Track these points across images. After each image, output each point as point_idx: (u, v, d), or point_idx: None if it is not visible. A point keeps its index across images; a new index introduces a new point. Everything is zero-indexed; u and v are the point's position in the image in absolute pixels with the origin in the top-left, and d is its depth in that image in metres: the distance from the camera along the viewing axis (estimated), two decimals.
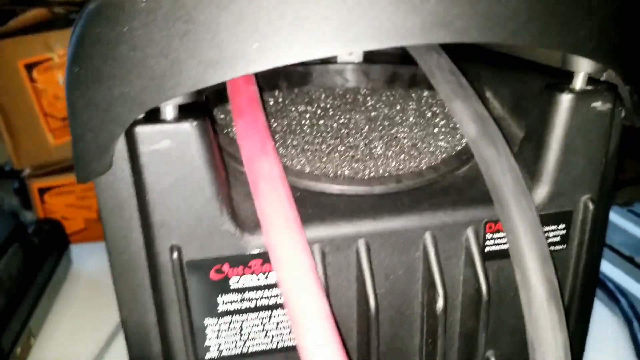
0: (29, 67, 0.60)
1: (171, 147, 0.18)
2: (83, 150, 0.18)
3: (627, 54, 0.21)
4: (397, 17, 0.17)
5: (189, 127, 0.18)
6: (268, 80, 0.31)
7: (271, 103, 0.29)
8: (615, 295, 0.50)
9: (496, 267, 0.23)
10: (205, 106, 0.19)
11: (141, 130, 0.18)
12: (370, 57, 0.33)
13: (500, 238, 0.22)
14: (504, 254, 0.22)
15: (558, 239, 0.23)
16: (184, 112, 0.18)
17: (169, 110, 0.18)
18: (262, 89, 0.31)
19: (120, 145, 0.18)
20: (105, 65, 0.17)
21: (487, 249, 0.22)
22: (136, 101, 0.17)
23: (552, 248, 0.23)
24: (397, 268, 0.22)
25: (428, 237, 0.21)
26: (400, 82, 0.31)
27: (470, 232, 0.22)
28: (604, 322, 0.48)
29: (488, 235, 0.22)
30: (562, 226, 0.23)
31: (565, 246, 0.23)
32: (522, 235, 0.20)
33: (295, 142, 0.24)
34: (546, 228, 0.23)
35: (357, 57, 0.34)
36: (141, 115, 0.18)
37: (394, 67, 0.31)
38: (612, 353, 0.44)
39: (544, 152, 0.22)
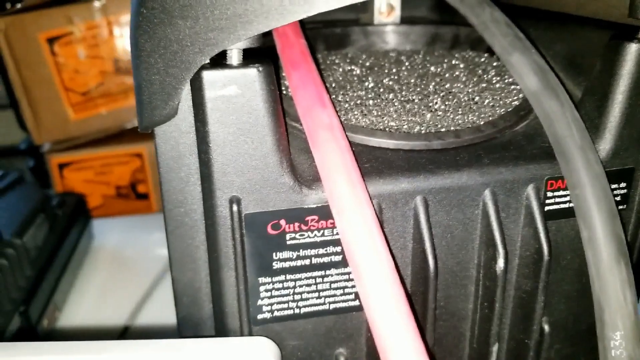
0: (51, 41, 0.59)
1: (237, 93, 0.17)
2: (149, 95, 0.17)
3: None
4: None
5: (255, 73, 0.17)
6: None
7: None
8: None
9: (554, 229, 0.22)
10: (269, 52, 0.18)
11: (208, 75, 0.17)
12: (409, 19, 0.32)
13: (561, 196, 0.21)
14: (565, 213, 0.22)
15: (619, 198, 0.22)
16: (249, 58, 0.17)
17: (235, 55, 0.17)
18: None
19: (185, 92, 0.18)
20: (175, 4, 0.16)
21: (547, 208, 0.21)
22: (207, 42, 0.16)
23: None
24: (455, 226, 0.21)
25: (488, 194, 0.21)
26: (442, 43, 0.30)
27: (531, 190, 0.21)
28: None
29: (549, 193, 0.21)
30: (623, 185, 0.22)
31: (625, 206, 0.22)
32: (589, 190, 0.19)
33: (347, 98, 0.23)
34: None
35: (395, 19, 0.33)
36: (207, 60, 0.17)
37: (435, 28, 0.30)
38: None
39: (608, 105, 0.21)
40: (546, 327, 0.23)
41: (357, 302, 0.21)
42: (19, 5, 0.58)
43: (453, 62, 0.28)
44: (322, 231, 0.20)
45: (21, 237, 0.40)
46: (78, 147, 0.64)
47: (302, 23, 0.24)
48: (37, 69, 0.59)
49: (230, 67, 0.17)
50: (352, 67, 0.27)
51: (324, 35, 0.31)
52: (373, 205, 0.20)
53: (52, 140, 0.63)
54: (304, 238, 0.20)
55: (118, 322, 0.44)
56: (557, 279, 0.23)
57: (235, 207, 0.18)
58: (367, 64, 0.27)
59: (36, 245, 0.43)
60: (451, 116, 0.22)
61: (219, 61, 0.17)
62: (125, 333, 0.43)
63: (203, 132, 0.17)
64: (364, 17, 0.33)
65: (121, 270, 0.51)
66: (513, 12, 0.28)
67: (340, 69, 0.27)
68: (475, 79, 0.25)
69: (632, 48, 0.20)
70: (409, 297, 0.18)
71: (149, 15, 0.16)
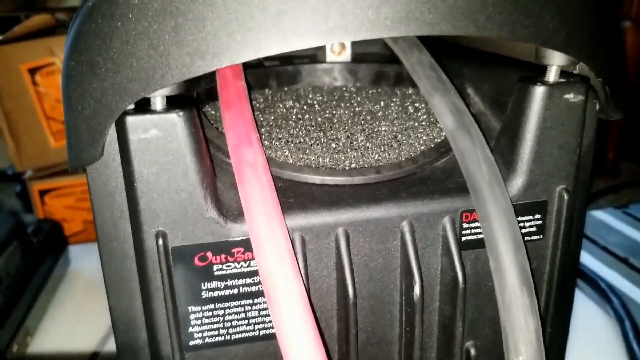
0: (32, 72, 0.61)
1: (159, 136, 0.19)
2: (76, 139, 0.19)
3: (596, 47, 0.22)
4: (370, 10, 0.18)
5: (175, 117, 0.19)
6: (259, 80, 0.32)
7: (260, 100, 0.30)
8: (608, 295, 0.50)
9: (474, 257, 0.23)
10: (193, 99, 0.20)
11: (131, 120, 0.18)
12: (359, 58, 0.34)
13: (476, 227, 0.23)
14: (480, 244, 0.23)
15: (534, 229, 0.24)
16: (172, 103, 0.19)
17: (157, 102, 0.19)
18: (253, 87, 0.32)
19: (111, 134, 0.19)
20: (99, 58, 0.18)
21: (463, 238, 0.23)
22: (127, 91, 0.18)
23: (528, 238, 0.24)
24: (375, 256, 0.22)
25: (406, 226, 0.22)
26: (386, 81, 0.32)
27: (447, 221, 0.22)
28: (596, 321, 0.48)
29: (465, 225, 0.23)
30: (537, 216, 0.24)
31: (542, 237, 0.24)
32: (495, 222, 0.21)
33: (280, 135, 0.25)
34: (522, 218, 0.23)
35: (346, 57, 0.34)
36: (131, 106, 0.19)
37: (380, 66, 0.32)
38: (604, 351, 0.44)
39: (519, 143, 0.23)
40: (472, 351, 0.24)
41: None
42: (0, 37, 0.60)
43: (391, 98, 0.29)
44: (248, 262, 0.21)
45: None
46: (59, 174, 0.65)
47: (245, 65, 0.26)
48: (18, 98, 0.61)
49: (153, 112, 0.19)
50: (295, 104, 0.29)
51: (276, 72, 0.33)
52: (295, 238, 0.21)
53: (34, 167, 0.65)
54: (231, 269, 0.21)
55: (88, 347, 0.45)
56: (480, 305, 0.24)
57: (161, 241, 0.20)
58: (310, 101, 0.29)
59: (8, 272, 0.44)
60: (373, 154, 0.24)
61: (144, 106, 0.19)
62: (94, 359, 0.43)
63: (128, 172, 0.19)
64: (318, 54, 0.35)
65: (95, 295, 0.52)
66: (450, 51, 0.30)
67: (282, 106, 0.28)
68: (404, 116, 0.27)
69: (536, 91, 0.22)
70: (318, 323, 0.19)
71: (76, 66, 0.18)
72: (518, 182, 0.23)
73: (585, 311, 0.49)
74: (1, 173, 0.80)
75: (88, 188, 0.20)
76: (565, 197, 0.23)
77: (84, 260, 0.57)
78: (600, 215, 0.68)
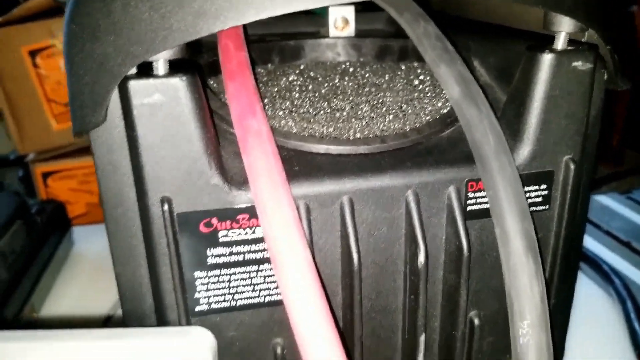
0: (33, 54, 0.61)
1: (162, 101, 0.19)
2: (79, 104, 0.19)
3: (605, 12, 0.21)
4: None
5: (178, 82, 0.19)
6: (261, 55, 0.32)
7: (263, 74, 0.30)
8: (610, 277, 0.50)
9: (478, 227, 0.23)
10: (196, 64, 0.20)
11: (133, 84, 0.18)
12: (363, 33, 0.34)
13: (482, 197, 0.23)
14: (485, 214, 0.23)
15: (540, 199, 0.24)
16: (175, 68, 0.19)
17: (160, 65, 0.19)
18: (255, 63, 0.32)
19: (115, 99, 0.19)
20: (101, 21, 0.18)
21: (469, 208, 0.23)
22: (129, 54, 0.18)
23: (534, 208, 0.24)
24: (380, 225, 0.22)
25: (410, 195, 0.22)
26: (390, 55, 0.32)
27: (452, 191, 0.22)
28: (598, 303, 0.48)
29: (470, 194, 0.23)
30: (543, 186, 0.23)
31: (547, 207, 0.24)
32: (501, 190, 0.21)
33: (283, 106, 0.25)
34: (528, 188, 0.23)
35: (349, 32, 0.34)
36: (134, 71, 0.19)
37: (384, 41, 0.32)
38: (606, 331, 0.44)
39: (525, 112, 0.22)
40: (476, 321, 0.25)
41: None
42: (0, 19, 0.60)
43: (396, 72, 0.29)
44: (253, 229, 0.21)
45: None
46: (61, 157, 0.65)
47: (247, 36, 0.25)
48: (19, 81, 0.61)
49: (155, 77, 0.18)
50: (297, 77, 0.28)
51: (279, 47, 0.32)
52: (299, 206, 0.21)
53: (36, 149, 0.65)
54: (237, 235, 0.21)
55: (94, 326, 0.45)
56: (485, 275, 0.24)
57: (166, 207, 0.20)
58: (313, 74, 0.29)
59: (12, 250, 0.44)
60: (378, 124, 0.24)
61: (146, 71, 0.19)
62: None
63: (132, 137, 0.19)
64: (322, 31, 0.35)
65: (99, 275, 0.52)
66: (456, 25, 0.30)
67: (285, 79, 0.28)
68: (409, 88, 0.27)
69: (544, 58, 0.22)
70: (326, 291, 0.19)
71: (78, 30, 0.18)
72: (524, 151, 0.23)
73: (587, 292, 0.49)
74: (3, 158, 0.80)
75: (92, 154, 0.20)
76: (572, 167, 0.23)
77: (87, 242, 0.57)
78: (604, 200, 0.68)
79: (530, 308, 0.20)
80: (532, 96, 0.22)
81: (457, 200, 0.22)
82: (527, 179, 0.23)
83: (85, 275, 0.52)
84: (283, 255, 0.19)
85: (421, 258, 0.22)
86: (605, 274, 0.51)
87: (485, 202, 0.23)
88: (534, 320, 0.19)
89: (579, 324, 0.42)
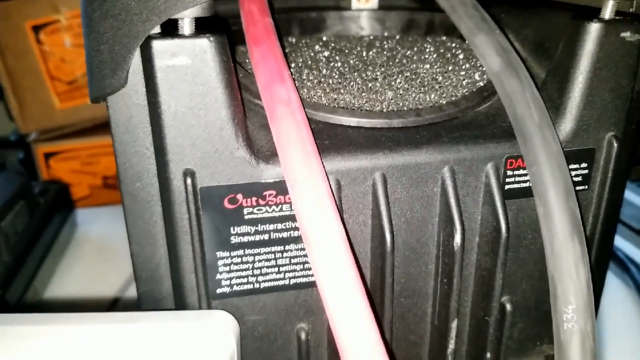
0: (36, 29, 0.59)
1: (187, 63, 0.17)
2: (98, 65, 0.17)
3: None
4: None
5: (206, 42, 0.17)
6: (281, 27, 0.30)
7: (285, 45, 0.28)
8: (626, 264, 0.50)
9: (515, 208, 0.22)
10: (224, 22, 0.18)
11: (157, 44, 0.17)
12: (386, 6, 0.32)
13: (521, 175, 0.22)
14: (524, 193, 0.22)
15: (580, 178, 0.22)
16: (202, 27, 0.17)
17: (186, 24, 0.17)
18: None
19: (136, 62, 0.18)
20: None
21: (507, 187, 0.22)
22: (153, 10, 0.16)
23: None
24: (414, 203, 0.21)
25: (447, 172, 0.21)
26: (417, 29, 0.31)
27: (490, 168, 0.21)
28: (615, 291, 0.47)
29: (509, 172, 0.21)
30: (584, 165, 0.22)
31: (586, 187, 0.23)
32: (545, 167, 0.19)
33: (311, 76, 0.23)
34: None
35: (372, 5, 0.33)
36: (157, 30, 0.17)
37: (410, 14, 0.31)
38: (622, 319, 0.44)
39: (569, 85, 0.21)
40: (508, 306, 0.23)
41: None
42: None
43: (424, 46, 0.28)
44: (280, 206, 0.20)
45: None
46: (64, 137, 0.64)
47: (271, 3, 0.24)
48: (22, 58, 0.59)
49: (181, 36, 0.17)
50: (322, 49, 0.27)
51: (300, 19, 0.31)
52: (329, 180, 0.20)
53: (38, 129, 0.63)
54: (262, 213, 0.20)
55: (98, 309, 0.44)
56: (519, 259, 0.23)
57: (189, 180, 0.19)
58: (338, 47, 0.27)
59: (15, 231, 0.43)
60: (413, 95, 0.22)
61: (171, 31, 0.17)
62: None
63: (154, 103, 0.18)
64: (342, 3, 0.34)
65: (104, 258, 0.51)
66: None
67: (310, 51, 0.27)
68: (442, 61, 0.25)
69: (592, 27, 0.20)
70: (361, 270, 0.18)
71: None
72: (566, 127, 0.21)
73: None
74: (4, 139, 0.78)
75: (109, 123, 0.19)
76: (615, 144, 0.22)
77: (91, 224, 0.56)
78: None
79: (576, 293, 0.18)
80: (576, 68, 0.21)
81: (496, 178, 0.21)
82: (567, 157, 0.22)
83: (90, 257, 0.51)
84: (316, 232, 0.17)
85: (457, 239, 0.21)
86: (620, 262, 0.50)
87: (525, 181, 0.22)
88: (579, 306, 0.18)
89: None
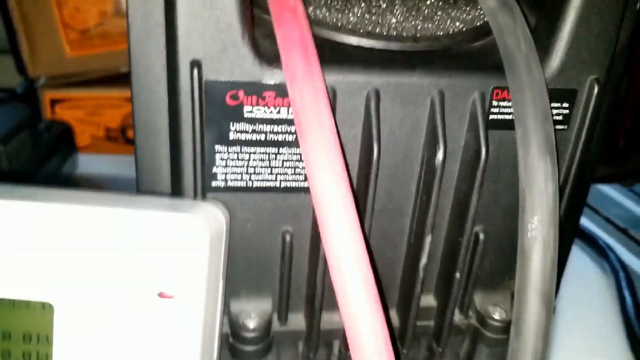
0: None
1: None
2: None
3: None
4: None
5: None
6: None
7: None
8: (605, 251, 0.51)
9: (497, 139, 0.24)
10: None
11: None
12: None
13: (505, 107, 0.23)
14: (507, 124, 0.23)
15: (560, 117, 0.24)
16: None
17: None
18: None
19: None
20: None
21: (491, 117, 0.23)
22: None
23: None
24: (403, 122, 0.22)
25: (436, 95, 0.22)
26: None
27: (477, 96, 0.23)
28: (591, 276, 0.49)
29: (494, 102, 0.23)
30: (565, 105, 0.24)
31: (566, 127, 0.24)
32: (527, 92, 0.21)
33: None
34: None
35: None
36: None
37: None
38: (596, 303, 0.45)
39: (557, 25, 0.22)
40: (481, 236, 0.25)
41: (306, 184, 0.23)
42: None
43: None
44: (278, 108, 0.21)
45: (5, 144, 0.41)
46: (72, 85, 0.65)
47: None
48: (37, 2, 0.60)
49: None
50: None
51: None
52: (326, 86, 0.21)
53: (47, 74, 0.64)
54: (261, 113, 0.21)
55: None
56: (496, 191, 0.24)
57: (196, 72, 0.20)
58: None
59: (18, 159, 0.44)
60: (412, 23, 0.24)
61: None
62: None
63: None
64: None
65: None
66: None
67: None
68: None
69: None
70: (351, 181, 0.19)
71: None
72: (552, 65, 0.23)
73: (581, 265, 0.50)
74: (11, 91, 0.79)
75: (126, 15, 0.20)
76: (596, 87, 0.23)
77: (91, 168, 0.57)
78: (606, 189, 0.68)
79: (542, 204, 0.20)
80: (566, 13, 0.22)
81: (481, 106, 0.23)
82: (550, 95, 0.23)
83: None
84: (311, 123, 0.19)
85: (439, 156, 0.22)
86: (600, 249, 0.52)
87: (509, 113, 0.23)
88: (544, 217, 0.20)
89: (570, 295, 0.43)
